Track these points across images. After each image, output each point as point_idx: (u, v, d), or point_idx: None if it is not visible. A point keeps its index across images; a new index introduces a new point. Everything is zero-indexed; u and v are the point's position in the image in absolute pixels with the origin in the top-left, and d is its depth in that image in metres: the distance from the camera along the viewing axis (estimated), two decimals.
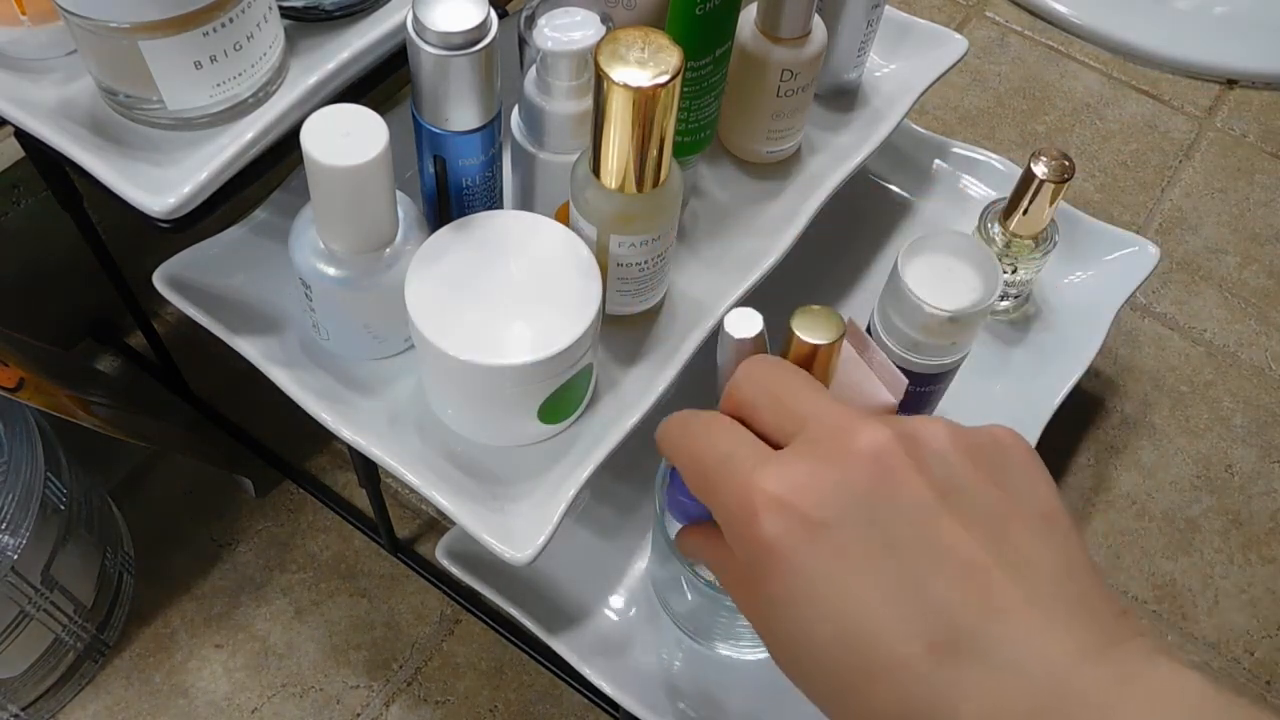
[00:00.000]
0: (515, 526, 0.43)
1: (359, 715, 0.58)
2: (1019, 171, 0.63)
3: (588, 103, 0.42)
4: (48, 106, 0.42)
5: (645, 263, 0.44)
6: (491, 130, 0.43)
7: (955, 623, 0.24)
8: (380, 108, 0.41)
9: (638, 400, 0.47)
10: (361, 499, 0.64)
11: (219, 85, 0.40)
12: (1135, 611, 0.64)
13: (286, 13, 0.44)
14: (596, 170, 0.41)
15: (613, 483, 0.58)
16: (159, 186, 0.40)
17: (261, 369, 0.46)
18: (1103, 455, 0.70)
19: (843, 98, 0.59)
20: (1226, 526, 0.68)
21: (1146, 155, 0.87)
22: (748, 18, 0.50)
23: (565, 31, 0.41)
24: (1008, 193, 0.61)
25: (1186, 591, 0.65)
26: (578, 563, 0.56)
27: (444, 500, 0.43)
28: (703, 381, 0.48)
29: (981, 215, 0.63)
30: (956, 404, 0.57)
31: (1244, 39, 0.92)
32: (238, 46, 0.40)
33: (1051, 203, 0.59)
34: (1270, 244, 0.82)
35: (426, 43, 0.39)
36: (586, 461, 0.45)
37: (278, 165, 0.44)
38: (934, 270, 0.51)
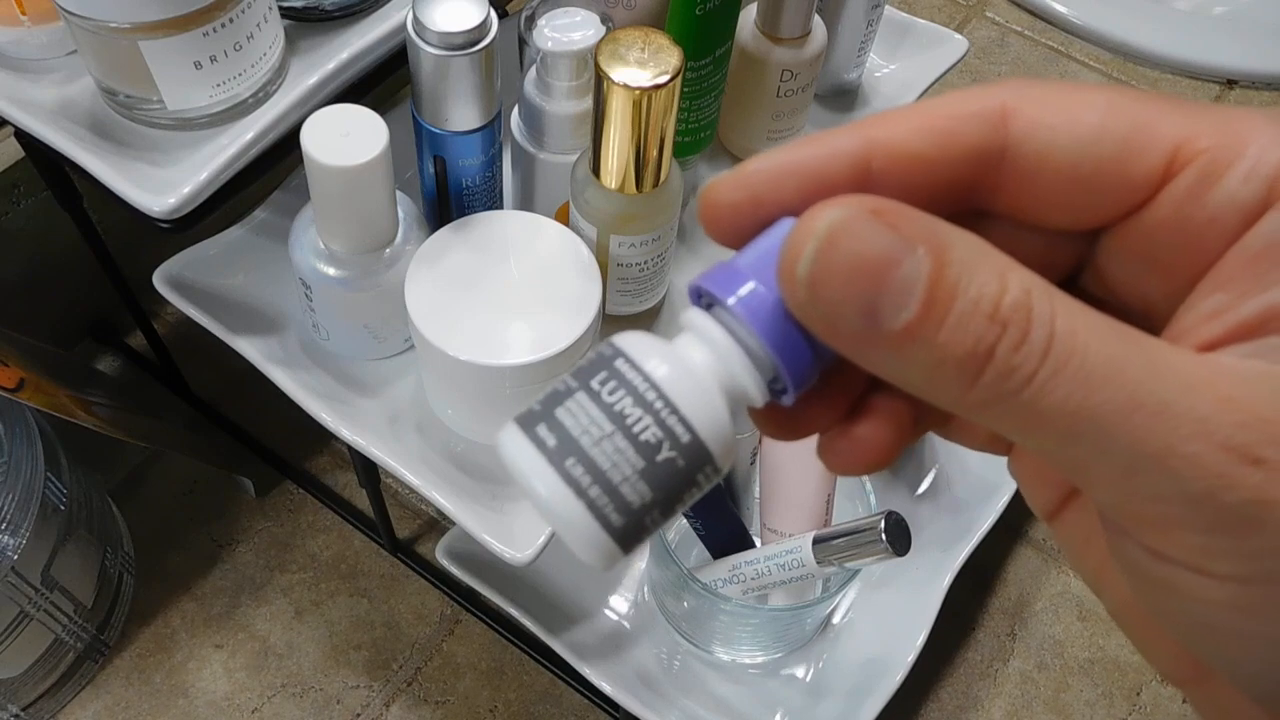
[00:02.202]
0: (515, 526, 0.43)
1: (359, 715, 0.58)
2: None
3: (588, 103, 0.42)
4: (48, 106, 0.42)
5: (645, 263, 0.44)
6: (491, 130, 0.43)
7: None
8: (380, 108, 0.41)
9: None
10: (361, 499, 0.64)
11: (219, 85, 0.40)
12: None
13: (286, 13, 0.44)
14: (596, 170, 0.41)
15: None
16: (159, 186, 0.40)
17: (261, 369, 0.46)
18: None
19: (843, 98, 0.59)
20: None
21: None
22: (748, 18, 0.50)
23: (565, 31, 0.41)
24: None
25: None
26: (578, 563, 0.56)
27: (444, 500, 0.43)
28: None
29: None
30: None
31: (1244, 39, 0.92)
32: (238, 46, 0.40)
33: None
34: None
35: (426, 43, 0.39)
36: None
37: (278, 165, 0.44)
38: None
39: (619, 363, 0.16)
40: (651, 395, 0.15)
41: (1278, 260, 0.15)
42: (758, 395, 0.16)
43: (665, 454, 0.15)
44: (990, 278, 0.14)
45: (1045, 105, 0.16)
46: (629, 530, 0.16)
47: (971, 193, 0.17)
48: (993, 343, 0.14)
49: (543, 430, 0.16)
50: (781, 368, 0.16)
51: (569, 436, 0.15)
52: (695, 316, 0.16)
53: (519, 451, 0.16)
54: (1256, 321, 0.15)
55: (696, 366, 0.16)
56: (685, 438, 0.15)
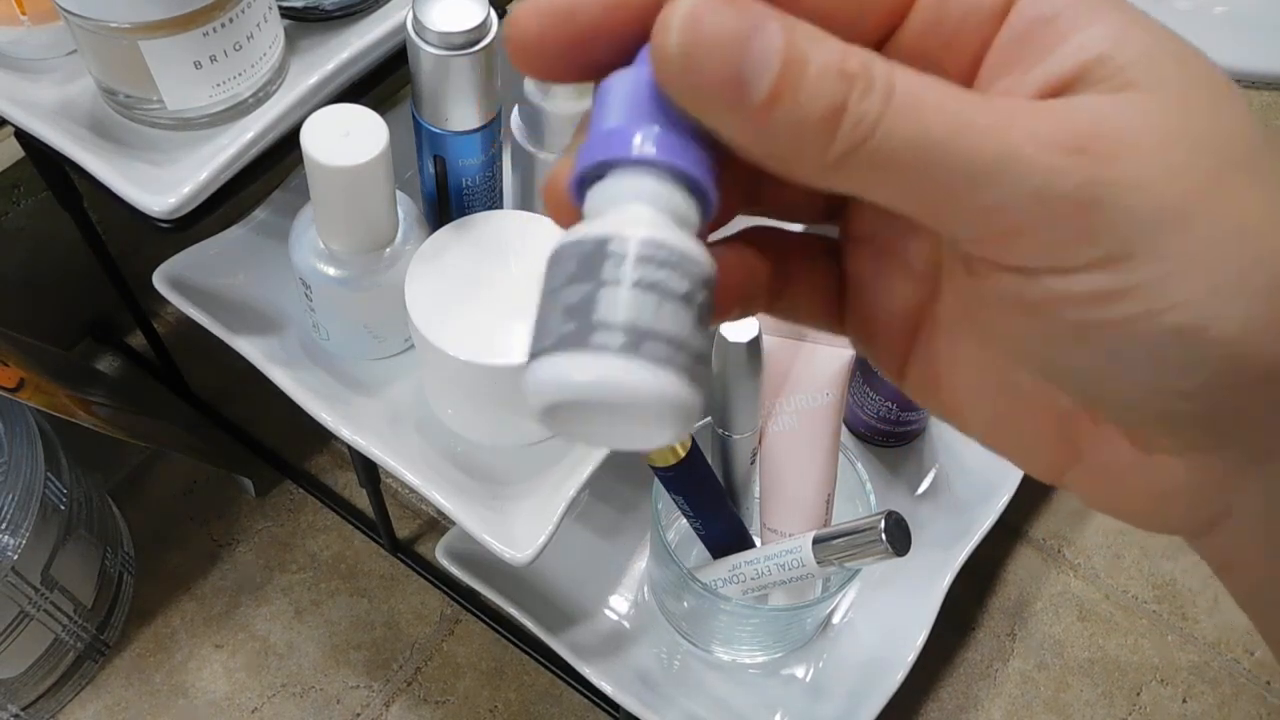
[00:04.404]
0: (515, 526, 0.43)
1: (359, 715, 0.58)
2: None
3: (587, 102, 0.42)
4: (48, 106, 0.42)
5: None
6: (491, 130, 0.43)
7: None
8: (380, 108, 0.41)
9: None
10: (361, 499, 0.64)
11: (219, 85, 0.40)
12: None
13: (286, 13, 0.44)
14: None
15: (613, 483, 0.58)
16: (159, 186, 0.40)
17: (261, 369, 0.46)
18: None
19: None
20: None
21: None
22: None
23: None
24: None
25: (1186, 591, 0.65)
26: (578, 563, 0.56)
27: (444, 500, 0.43)
28: None
29: None
30: None
31: (1244, 39, 0.92)
32: (238, 46, 0.40)
33: None
34: None
35: (426, 43, 0.39)
36: (587, 461, 0.45)
37: (278, 165, 0.44)
38: None
39: (612, 245, 0.15)
40: (663, 254, 0.15)
41: (1047, 36, 0.17)
42: (695, 215, 0.17)
43: (699, 296, 0.15)
44: (834, 48, 0.16)
45: None
46: (701, 383, 0.15)
47: None
48: (845, 95, 0.15)
49: (599, 338, 0.14)
50: (692, 172, 0.16)
51: (630, 326, 0.14)
52: (614, 186, 0.16)
53: (587, 371, 0.14)
54: (1043, 93, 0.17)
55: (654, 215, 0.16)
56: (705, 273, 0.16)
